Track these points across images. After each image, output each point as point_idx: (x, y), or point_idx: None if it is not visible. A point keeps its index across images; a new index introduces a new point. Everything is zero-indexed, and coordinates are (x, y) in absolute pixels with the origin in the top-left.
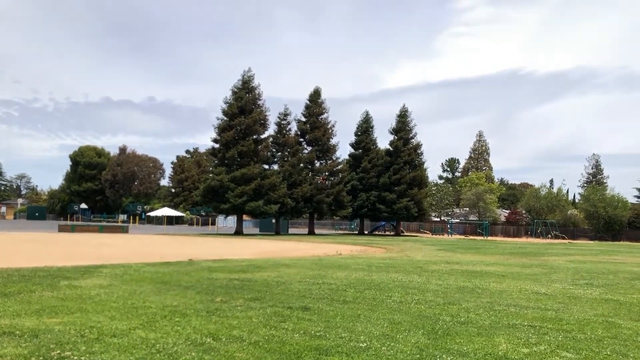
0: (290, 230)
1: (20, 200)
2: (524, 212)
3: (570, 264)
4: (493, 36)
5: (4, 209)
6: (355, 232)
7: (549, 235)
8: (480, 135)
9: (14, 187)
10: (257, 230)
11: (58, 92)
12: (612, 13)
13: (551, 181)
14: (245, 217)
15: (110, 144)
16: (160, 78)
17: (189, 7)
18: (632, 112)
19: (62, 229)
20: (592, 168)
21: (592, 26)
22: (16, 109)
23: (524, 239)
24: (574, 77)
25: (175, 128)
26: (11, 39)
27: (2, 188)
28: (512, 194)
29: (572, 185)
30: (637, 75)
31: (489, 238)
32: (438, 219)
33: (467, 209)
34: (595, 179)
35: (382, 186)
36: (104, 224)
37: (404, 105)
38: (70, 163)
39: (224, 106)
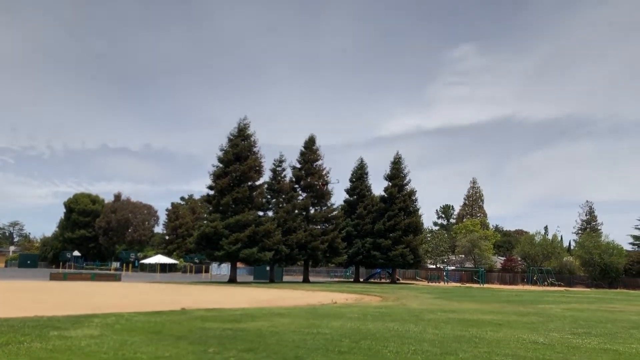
0: (285, 278)
1: (12, 248)
2: (519, 259)
3: (568, 312)
4: (485, 85)
5: None
6: (350, 279)
7: (545, 283)
8: (474, 182)
9: (7, 234)
10: (251, 278)
11: (55, 139)
12: (601, 62)
13: (546, 228)
14: (239, 264)
15: (105, 190)
16: (157, 125)
17: (186, 56)
18: (623, 159)
19: (53, 277)
20: (586, 215)
21: (581, 75)
22: (12, 156)
23: (520, 287)
24: (565, 125)
25: (170, 175)
26: (9, 87)
27: None
28: (507, 241)
29: (567, 232)
30: (626, 124)
31: (485, 285)
32: (434, 266)
33: (463, 256)
34: (589, 226)
35: (377, 233)
36: (97, 271)
37: (398, 152)
38: (65, 210)
39: (220, 153)
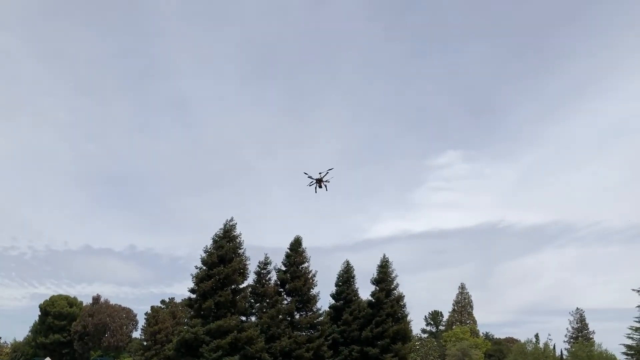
0: None
1: None
2: None
3: None
4: (471, 191)
5: None
6: None
7: None
8: (462, 287)
9: None
10: None
11: (37, 240)
12: (583, 171)
13: (536, 336)
14: None
15: (85, 293)
16: (142, 227)
17: (173, 158)
18: (610, 266)
19: None
20: (577, 323)
21: (564, 183)
22: None
23: None
24: (551, 231)
25: (153, 277)
26: None
27: None
28: (498, 350)
29: (558, 340)
30: (610, 231)
31: None
32: None
33: None
34: (581, 334)
35: (365, 340)
36: None
37: (384, 255)
38: (39, 313)
39: (204, 255)
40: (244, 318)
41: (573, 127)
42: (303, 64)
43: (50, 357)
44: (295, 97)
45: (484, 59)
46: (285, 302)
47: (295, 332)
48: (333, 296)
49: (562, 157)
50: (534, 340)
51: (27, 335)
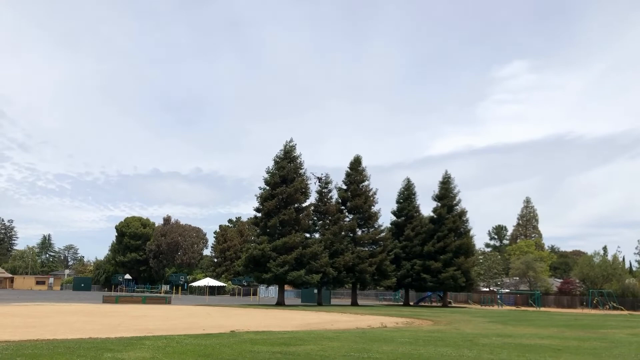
0: (333, 301)
1: (67, 271)
2: (577, 281)
3: (634, 337)
4: (537, 102)
5: (52, 279)
6: (400, 303)
7: (606, 306)
8: (527, 201)
9: (62, 258)
10: (299, 301)
11: (109, 165)
12: None
13: (604, 248)
14: (287, 287)
15: (156, 214)
16: (207, 150)
17: (234, 81)
18: None
19: (106, 300)
20: None
21: (636, 90)
22: (69, 182)
23: (579, 310)
24: (623, 141)
25: (219, 198)
26: (67, 117)
27: (51, 259)
28: (564, 262)
29: (628, 253)
30: None
31: (542, 309)
32: (487, 289)
33: (517, 278)
34: None
35: (427, 255)
36: (147, 294)
37: (446, 171)
38: (116, 234)
39: (266, 176)
40: (308, 235)
41: None
42: None
43: (129, 274)
44: (350, 11)
45: None
46: (347, 219)
47: (358, 248)
48: (394, 213)
49: (637, 63)
50: (601, 252)
51: (107, 254)
